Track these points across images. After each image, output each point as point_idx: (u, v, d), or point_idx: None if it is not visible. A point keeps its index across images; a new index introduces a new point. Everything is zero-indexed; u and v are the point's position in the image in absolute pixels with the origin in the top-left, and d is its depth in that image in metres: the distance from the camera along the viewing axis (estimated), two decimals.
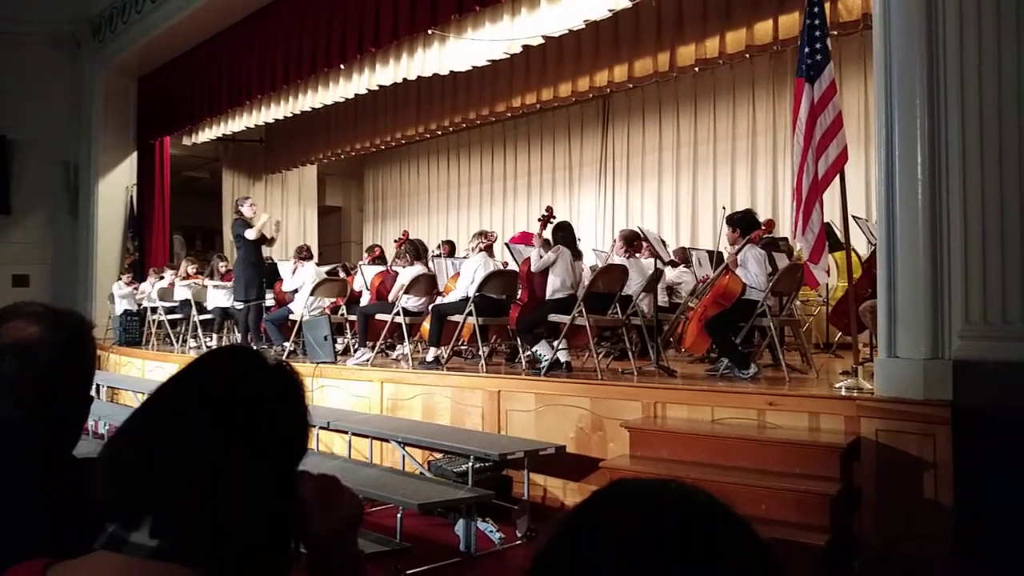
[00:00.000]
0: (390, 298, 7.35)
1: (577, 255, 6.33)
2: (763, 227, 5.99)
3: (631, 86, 9.58)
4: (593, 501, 0.66)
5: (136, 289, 10.97)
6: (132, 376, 9.94)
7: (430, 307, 7.00)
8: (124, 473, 0.84)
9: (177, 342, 9.81)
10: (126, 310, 10.80)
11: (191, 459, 0.83)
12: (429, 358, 6.64)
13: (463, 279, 6.70)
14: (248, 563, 0.85)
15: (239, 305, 8.39)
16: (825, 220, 4.75)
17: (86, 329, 1.32)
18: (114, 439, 0.88)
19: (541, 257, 6.16)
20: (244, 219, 8.21)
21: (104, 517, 0.83)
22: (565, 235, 6.24)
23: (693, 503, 0.63)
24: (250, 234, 8.03)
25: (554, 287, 6.09)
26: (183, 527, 0.81)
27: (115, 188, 12.30)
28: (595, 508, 0.65)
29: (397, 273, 7.62)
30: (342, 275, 9.08)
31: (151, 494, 0.82)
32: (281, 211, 14.43)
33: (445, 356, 6.71)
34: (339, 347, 7.91)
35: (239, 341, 8.54)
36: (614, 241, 7.07)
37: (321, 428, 5.81)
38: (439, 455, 5.48)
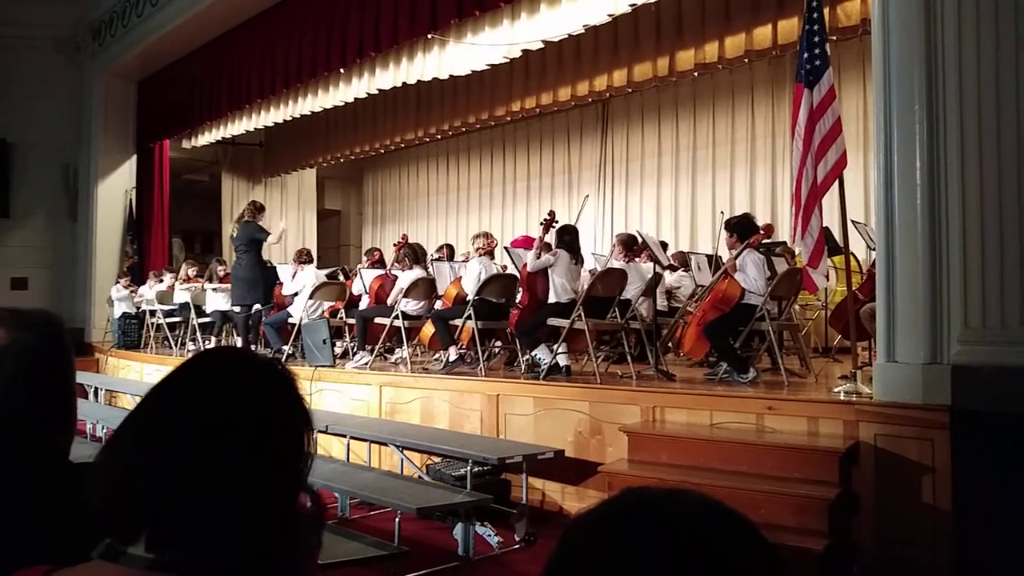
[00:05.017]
0: (389, 302, 7.35)
1: (579, 260, 6.32)
2: (762, 232, 5.99)
3: (630, 90, 9.59)
4: (606, 510, 0.64)
5: (134, 292, 10.96)
6: (130, 379, 9.93)
7: (430, 315, 6.99)
8: (116, 483, 0.83)
9: (176, 345, 9.81)
10: (124, 313, 10.79)
11: (181, 465, 0.82)
12: (452, 357, 6.63)
13: (469, 281, 6.68)
14: (249, 569, 0.84)
15: (237, 309, 8.40)
16: (824, 225, 4.75)
17: (56, 326, 1.29)
18: (107, 445, 0.87)
19: (539, 257, 6.16)
20: (260, 225, 8.38)
21: (101, 525, 0.83)
22: (571, 239, 6.22)
23: (712, 514, 0.63)
24: (271, 238, 8.45)
25: (556, 291, 6.08)
26: (178, 538, 0.80)
27: (114, 191, 12.30)
28: (610, 518, 0.64)
29: (396, 277, 7.62)
30: (341, 279, 9.08)
31: (144, 505, 0.81)
32: (280, 215, 14.42)
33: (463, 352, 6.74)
34: (338, 351, 7.91)
35: (241, 344, 8.53)
36: (613, 245, 7.07)
37: (320, 432, 5.80)
38: (437, 459, 5.47)
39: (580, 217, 7.26)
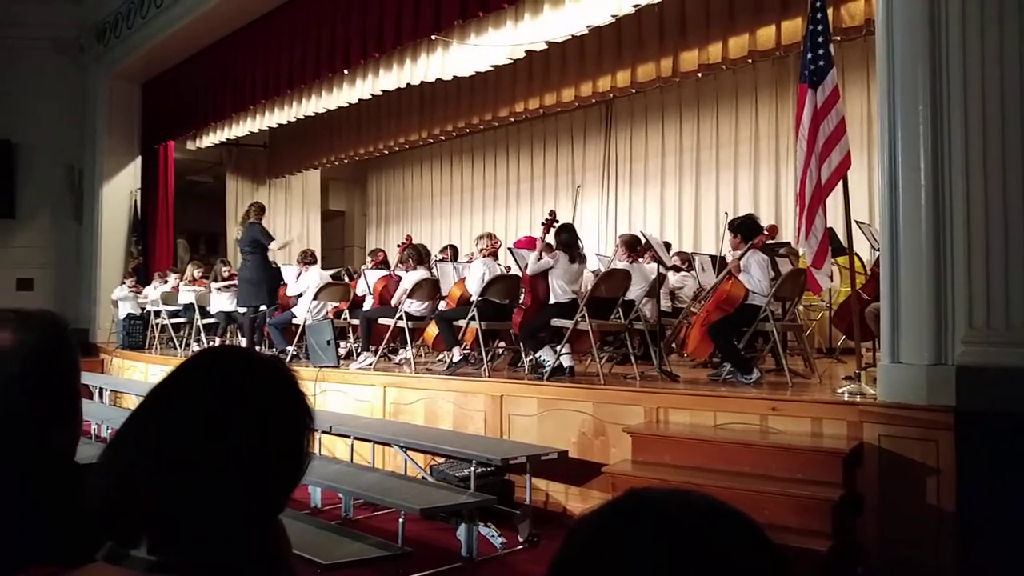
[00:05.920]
0: (393, 302, 7.36)
1: (580, 258, 6.32)
2: (766, 232, 5.98)
3: (634, 91, 9.59)
4: (609, 511, 0.65)
5: (138, 293, 10.99)
6: (135, 380, 9.95)
7: (434, 315, 6.99)
8: (118, 483, 0.83)
9: (180, 346, 9.83)
10: (129, 314, 10.83)
11: (183, 465, 0.82)
12: (456, 357, 6.63)
13: (472, 282, 6.68)
14: (250, 568, 0.84)
15: (243, 310, 8.42)
16: (828, 225, 4.75)
17: (61, 327, 1.29)
18: (109, 446, 0.88)
19: (540, 259, 6.16)
20: (265, 227, 8.40)
21: (104, 527, 0.83)
22: (568, 236, 6.21)
23: (715, 515, 0.63)
24: (274, 244, 8.44)
25: (556, 292, 6.09)
26: (180, 538, 0.80)
27: (119, 192, 12.34)
28: (614, 519, 0.64)
29: (400, 278, 7.62)
30: (345, 280, 9.09)
31: (146, 505, 0.81)
32: (284, 215, 14.49)
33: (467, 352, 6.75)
34: (342, 351, 7.92)
35: (246, 345, 8.54)
36: (616, 246, 7.07)
37: (323, 432, 5.81)
38: (441, 460, 5.48)
39: (577, 211, 7.23)
